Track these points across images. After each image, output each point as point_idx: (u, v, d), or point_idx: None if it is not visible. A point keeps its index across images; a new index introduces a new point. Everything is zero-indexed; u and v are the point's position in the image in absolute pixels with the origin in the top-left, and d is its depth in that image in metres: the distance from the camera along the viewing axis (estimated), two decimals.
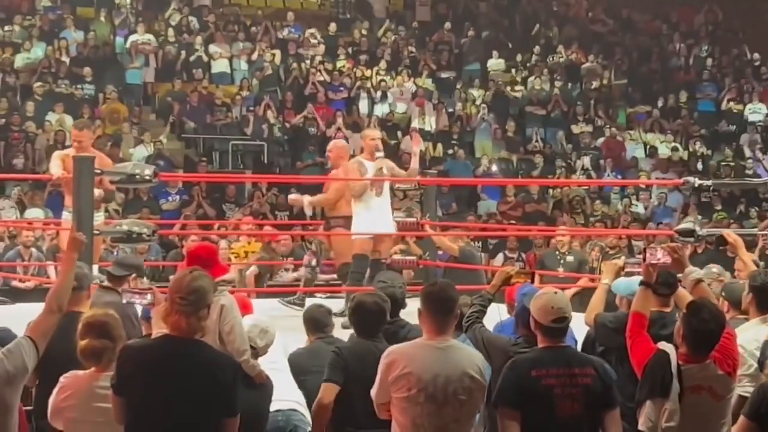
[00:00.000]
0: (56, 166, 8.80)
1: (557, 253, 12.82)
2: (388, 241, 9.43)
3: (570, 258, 12.74)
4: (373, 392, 4.79)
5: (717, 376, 4.84)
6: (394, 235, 9.86)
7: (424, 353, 4.70)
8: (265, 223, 14.95)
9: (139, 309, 5.97)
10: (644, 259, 5.20)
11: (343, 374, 5.22)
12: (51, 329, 4.65)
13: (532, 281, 5.86)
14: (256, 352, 5.82)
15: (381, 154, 9.19)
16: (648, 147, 19.99)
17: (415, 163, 9.44)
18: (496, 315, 6.10)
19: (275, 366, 5.99)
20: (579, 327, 5.74)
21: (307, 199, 9.94)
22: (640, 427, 4.85)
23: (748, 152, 19.94)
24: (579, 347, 5.95)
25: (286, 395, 6.00)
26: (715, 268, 7.06)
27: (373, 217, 9.15)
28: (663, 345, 4.89)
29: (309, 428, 5.93)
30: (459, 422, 4.69)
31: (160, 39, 19.81)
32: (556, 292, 4.85)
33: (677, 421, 4.73)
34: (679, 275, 5.52)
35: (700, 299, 5.07)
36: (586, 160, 19.04)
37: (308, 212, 10.32)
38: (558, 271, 12.03)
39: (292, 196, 10.81)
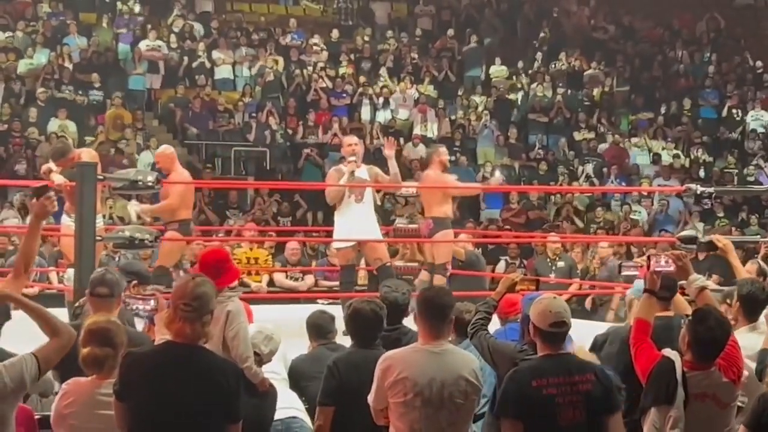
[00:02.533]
0: (57, 173, 8.80)
1: (548, 259, 12.88)
2: (379, 247, 9.35)
3: (561, 263, 12.80)
4: (370, 398, 4.81)
5: (722, 383, 4.85)
6: (385, 241, 9.84)
7: (419, 358, 4.74)
8: (267, 229, 14.94)
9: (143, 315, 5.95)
10: (648, 267, 5.21)
11: (336, 394, 5.18)
12: (55, 354, 4.58)
13: (537, 288, 5.83)
14: (261, 358, 5.80)
15: (354, 158, 9.18)
16: (651, 154, 19.97)
17: (393, 167, 9.45)
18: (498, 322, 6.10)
19: (275, 376, 5.97)
20: (580, 335, 5.72)
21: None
22: None
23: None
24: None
25: (285, 403, 5.97)
26: None
27: (351, 225, 9.11)
28: (668, 352, 4.89)
29: None
30: (455, 425, 4.72)
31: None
32: (555, 297, 4.88)
33: (682, 429, 4.73)
34: (683, 282, 5.53)
35: (705, 307, 5.08)
36: (589, 167, 19.04)
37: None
38: (550, 277, 12.07)
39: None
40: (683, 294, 5.73)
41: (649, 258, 5.29)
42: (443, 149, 10.12)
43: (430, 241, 10.18)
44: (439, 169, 9.68)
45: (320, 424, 5.19)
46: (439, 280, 9.47)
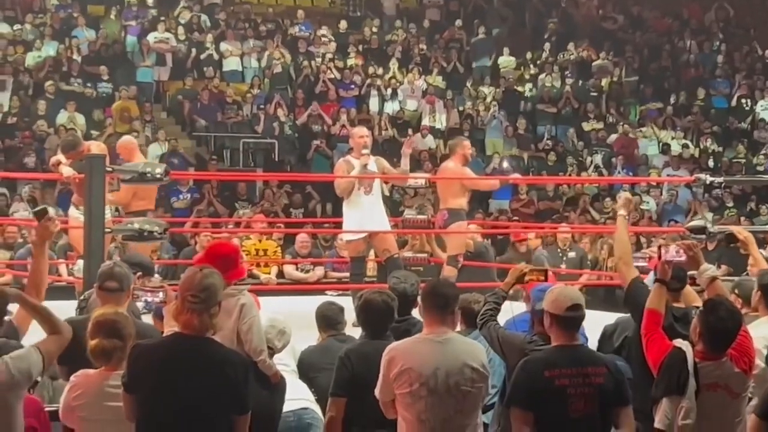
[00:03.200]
0: (66, 166, 8.80)
1: (559, 250, 12.86)
2: (388, 238, 9.34)
3: (572, 254, 12.80)
4: (377, 392, 4.83)
5: (733, 373, 4.84)
6: (395, 232, 9.81)
7: (423, 348, 4.76)
8: (277, 221, 14.94)
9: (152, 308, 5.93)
10: (660, 257, 5.20)
11: (348, 384, 5.18)
12: (56, 349, 4.66)
13: (546, 279, 5.80)
14: (273, 352, 5.79)
15: (367, 151, 9.18)
16: (661, 144, 19.93)
17: (405, 165, 9.46)
18: (508, 311, 6.07)
19: (285, 368, 5.96)
20: (590, 325, 5.70)
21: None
22: (656, 425, 4.83)
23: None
24: (594, 343, 5.92)
25: (296, 394, 5.97)
26: None
27: (362, 217, 9.11)
28: (679, 342, 4.88)
29: (321, 424, 5.91)
30: (462, 413, 4.73)
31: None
32: (566, 285, 4.94)
33: (694, 419, 4.72)
34: (693, 272, 5.51)
35: (717, 297, 5.08)
36: (598, 158, 19.00)
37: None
38: (560, 268, 12.06)
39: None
40: (693, 284, 5.71)
41: (659, 248, 5.28)
42: (467, 142, 10.11)
43: (439, 232, 10.18)
44: (460, 161, 9.71)
45: (332, 415, 5.19)
46: (450, 271, 9.48)
